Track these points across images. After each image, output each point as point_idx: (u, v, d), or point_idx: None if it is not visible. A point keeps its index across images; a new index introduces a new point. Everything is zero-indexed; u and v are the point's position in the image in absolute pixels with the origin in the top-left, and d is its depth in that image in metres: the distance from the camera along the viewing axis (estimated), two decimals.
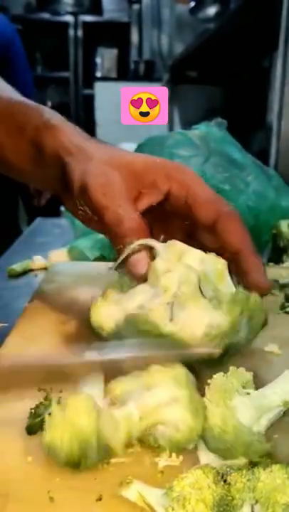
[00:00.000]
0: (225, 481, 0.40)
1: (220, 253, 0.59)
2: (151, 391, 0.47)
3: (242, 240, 0.58)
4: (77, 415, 0.45)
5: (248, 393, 0.48)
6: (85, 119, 4.66)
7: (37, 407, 0.50)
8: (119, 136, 2.57)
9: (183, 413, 0.46)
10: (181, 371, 0.49)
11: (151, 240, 0.57)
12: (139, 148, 0.96)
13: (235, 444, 0.45)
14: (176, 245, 0.58)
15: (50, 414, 0.46)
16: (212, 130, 0.99)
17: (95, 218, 0.59)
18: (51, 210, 1.64)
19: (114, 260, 0.86)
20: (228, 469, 0.42)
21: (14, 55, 2.24)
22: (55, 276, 0.87)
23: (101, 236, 0.93)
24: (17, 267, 1.13)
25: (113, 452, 0.45)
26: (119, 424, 0.45)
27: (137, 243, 0.56)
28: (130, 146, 1.09)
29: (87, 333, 0.68)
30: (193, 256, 0.56)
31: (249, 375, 0.50)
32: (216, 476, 0.40)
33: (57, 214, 1.63)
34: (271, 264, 1.02)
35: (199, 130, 0.97)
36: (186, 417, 0.46)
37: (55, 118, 0.67)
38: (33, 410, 0.48)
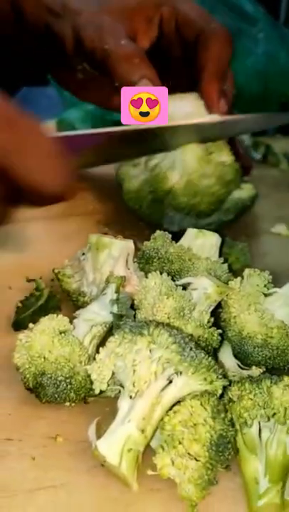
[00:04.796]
0: (226, 411, 0.35)
1: None
2: None
3: (214, 57, 0.54)
4: (40, 337, 0.38)
5: (271, 294, 0.42)
6: None
7: (26, 299, 0.45)
8: None
9: None
10: None
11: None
12: None
13: (284, 347, 0.39)
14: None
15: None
16: None
17: (93, 73, 0.56)
18: (37, 78, 1.49)
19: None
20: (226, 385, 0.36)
21: None
22: None
23: (92, 107, 0.85)
24: None
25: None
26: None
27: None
28: None
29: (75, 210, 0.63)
30: None
31: (268, 275, 0.43)
32: (216, 407, 0.34)
33: (44, 82, 1.49)
34: (279, 135, 0.94)
35: None
36: None
37: None
38: (20, 304, 0.44)
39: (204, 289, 0.42)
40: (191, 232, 0.49)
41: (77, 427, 0.37)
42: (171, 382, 0.35)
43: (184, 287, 0.43)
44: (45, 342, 0.37)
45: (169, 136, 0.53)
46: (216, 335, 0.40)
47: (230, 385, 0.36)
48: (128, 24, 0.55)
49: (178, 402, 0.35)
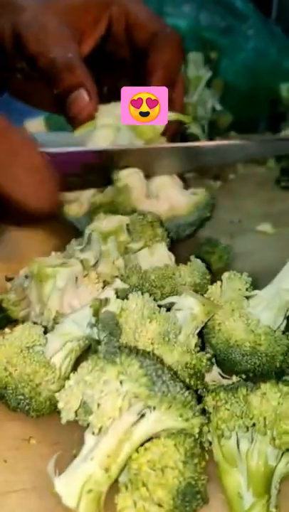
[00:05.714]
0: (201, 456, 0.32)
1: None
2: None
3: (165, 62, 0.53)
4: (8, 349, 0.36)
5: (251, 296, 0.41)
6: None
7: (2, 299, 0.45)
8: None
9: None
10: None
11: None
12: None
13: (273, 354, 0.38)
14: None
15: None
16: None
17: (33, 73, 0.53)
18: None
19: None
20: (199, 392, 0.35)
21: None
22: None
23: None
24: None
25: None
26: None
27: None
28: None
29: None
30: None
31: (247, 277, 0.42)
32: (190, 450, 0.31)
33: None
34: (267, 133, 0.93)
35: None
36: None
37: None
38: None
39: (190, 309, 0.39)
40: (143, 253, 0.46)
41: (50, 429, 0.37)
42: (143, 416, 0.32)
43: (168, 308, 0.39)
44: (11, 356, 0.36)
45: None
46: (204, 360, 0.37)
47: (209, 422, 0.34)
48: (74, 25, 0.54)
49: (151, 438, 0.32)
